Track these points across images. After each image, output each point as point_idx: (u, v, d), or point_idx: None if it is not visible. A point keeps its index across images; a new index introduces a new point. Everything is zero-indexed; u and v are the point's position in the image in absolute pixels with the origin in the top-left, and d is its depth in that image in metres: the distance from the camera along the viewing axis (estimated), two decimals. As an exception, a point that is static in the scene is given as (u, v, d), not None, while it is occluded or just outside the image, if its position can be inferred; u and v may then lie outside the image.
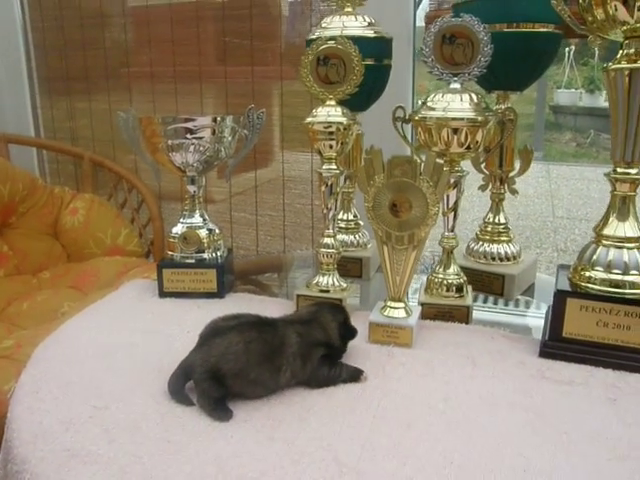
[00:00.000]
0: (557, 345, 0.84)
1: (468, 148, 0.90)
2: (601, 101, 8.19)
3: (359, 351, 0.84)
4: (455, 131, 0.88)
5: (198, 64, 1.95)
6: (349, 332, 0.83)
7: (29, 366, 0.84)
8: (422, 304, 0.96)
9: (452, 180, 0.92)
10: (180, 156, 1.04)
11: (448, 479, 0.59)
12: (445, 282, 0.97)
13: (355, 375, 0.78)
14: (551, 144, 7.63)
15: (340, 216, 1.20)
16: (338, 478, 0.59)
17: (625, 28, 0.78)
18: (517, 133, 1.09)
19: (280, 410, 0.71)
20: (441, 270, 0.98)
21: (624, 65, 0.79)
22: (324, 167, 0.95)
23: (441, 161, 0.83)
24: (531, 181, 5.39)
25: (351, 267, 1.16)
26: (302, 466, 0.61)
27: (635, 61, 0.78)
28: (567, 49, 8.60)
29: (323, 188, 0.95)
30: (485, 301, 1.16)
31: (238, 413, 0.70)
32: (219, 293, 1.07)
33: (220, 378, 0.72)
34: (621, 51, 0.80)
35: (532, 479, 0.59)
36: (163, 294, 1.07)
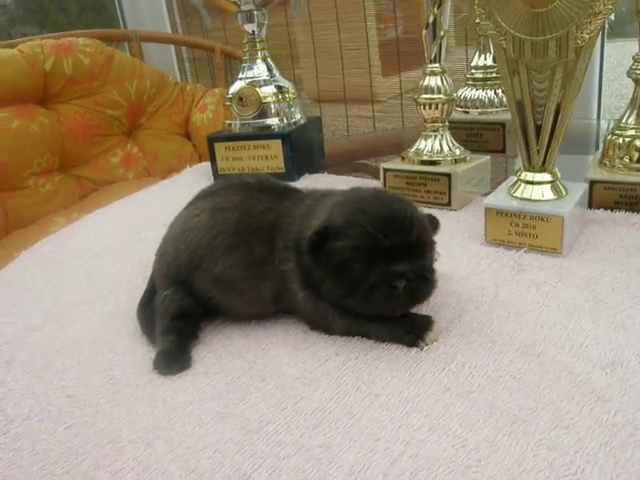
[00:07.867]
0: None
1: None
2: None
3: (462, 258, 0.48)
4: None
5: None
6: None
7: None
8: (592, 182, 0.55)
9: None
10: (227, -22, 0.72)
11: None
12: (638, 143, 0.55)
13: (417, 330, 0.38)
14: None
15: (474, 62, 0.80)
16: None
17: None
18: None
19: (264, 361, 0.39)
20: (631, 122, 0.56)
21: None
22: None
23: None
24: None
25: (489, 137, 0.76)
26: None
27: None
28: None
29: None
30: None
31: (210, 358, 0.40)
32: (288, 174, 0.75)
33: (185, 277, 0.42)
34: None
35: None
36: (218, 178, 0.79)
